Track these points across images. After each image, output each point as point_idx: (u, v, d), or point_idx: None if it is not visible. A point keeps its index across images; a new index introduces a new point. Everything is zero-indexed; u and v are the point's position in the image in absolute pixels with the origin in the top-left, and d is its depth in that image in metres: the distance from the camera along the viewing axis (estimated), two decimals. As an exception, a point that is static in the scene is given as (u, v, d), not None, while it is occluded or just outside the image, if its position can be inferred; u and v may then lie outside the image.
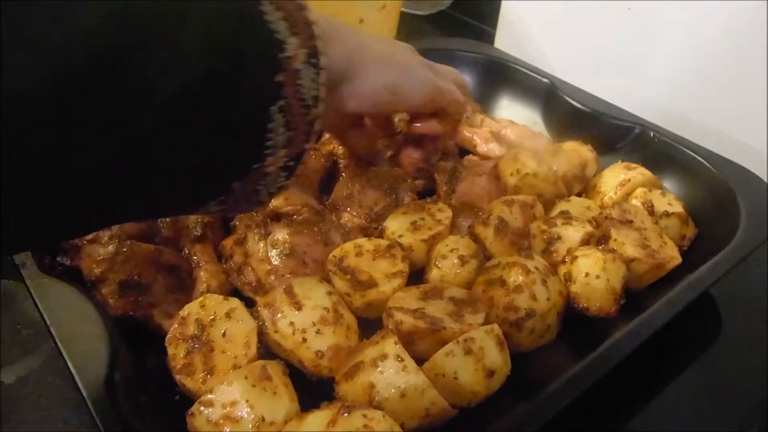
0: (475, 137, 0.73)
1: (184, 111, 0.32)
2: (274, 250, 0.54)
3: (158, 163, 0.33)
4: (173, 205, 0.38)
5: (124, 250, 0.51)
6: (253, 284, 0.53)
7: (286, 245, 0.54)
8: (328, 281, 0.51)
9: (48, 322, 0.42)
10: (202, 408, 0.40)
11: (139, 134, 0.31)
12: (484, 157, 0.72)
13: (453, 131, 0.66)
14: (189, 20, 0.32)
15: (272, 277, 0.52)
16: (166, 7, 0.31)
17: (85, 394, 0.39)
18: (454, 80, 0.57)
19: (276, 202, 0.56)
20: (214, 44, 0.33)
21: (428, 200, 0.62)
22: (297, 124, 0.38)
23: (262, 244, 0.55)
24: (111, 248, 0.51)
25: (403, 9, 0.99)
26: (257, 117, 0.36)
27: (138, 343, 0.47)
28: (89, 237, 0.51)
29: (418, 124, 0.57)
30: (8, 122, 0.26)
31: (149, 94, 0.30)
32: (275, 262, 0.53)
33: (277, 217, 0.57)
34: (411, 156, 0.61)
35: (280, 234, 0.55)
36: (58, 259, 0.51)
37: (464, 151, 0.73)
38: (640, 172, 0.64)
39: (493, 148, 0.72)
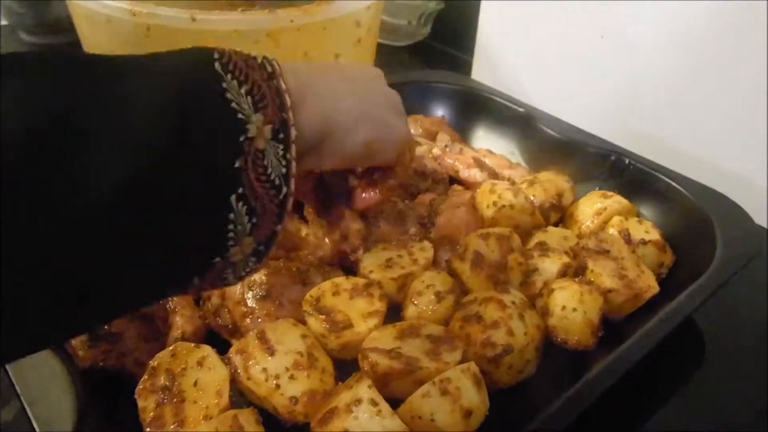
0: (456, 163, 0.73)
1: (128, 204, 0.29)
2: (251, 292, 0.53)
3: (104, 261, 0.29)
4: (124, 303, 0.34)
5: (96, 298, 0.50)
6: (230, 327, 0.53)
7: (263, 286, 0.53)
8: (304, 322, 0.51)
9: (14, 381, 0.41)
10: (172, 462, 0.39)
11: (81, 229, 0.28)
12: (466, 183, 0.72)
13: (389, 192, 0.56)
14: (133, 103, 0.30)
15: (248, 320, 0.52)
16: (107, 91, 0.29)
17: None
18: None
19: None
20: (160, 130, 0.30)
21: (415, 236, 0.62)
22: (264, 208, 0.36)
23: (239, 286, 0.54)
24: (82, 297, 0.50)
25: (380, 41, 0.99)
26: (214, 208, 0.33)
27: (110, 392, 0.46)
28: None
29: (363, 196, 0.53)
30: None
31: (85, 190, 0.27)
32: (251, 304, 0.53)
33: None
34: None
35: (257, 275, 0.54)
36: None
37: (453, 179, 0.73)
38: (616, 200, 0.64)
39: (474, 174, 0.72)
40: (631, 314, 0.55)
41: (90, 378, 0.46)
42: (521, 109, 0.79)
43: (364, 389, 0.42)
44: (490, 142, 0.80)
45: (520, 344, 0.49)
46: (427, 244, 0.60)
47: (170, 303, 0.54)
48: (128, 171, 0.29)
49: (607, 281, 0.54)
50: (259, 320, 0.51)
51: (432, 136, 0.76)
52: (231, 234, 0.34)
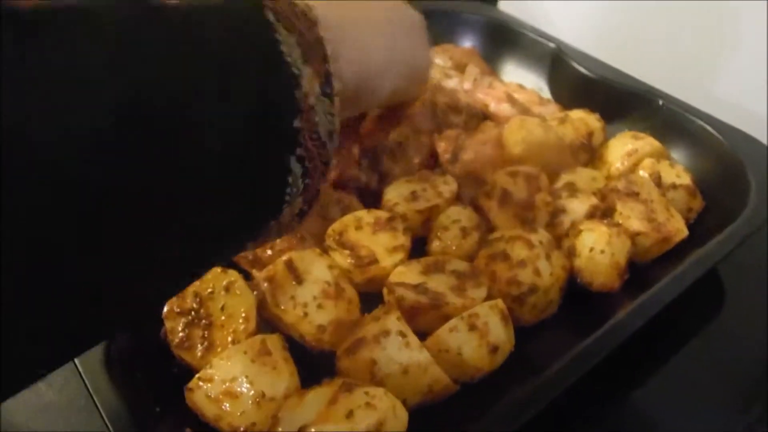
0: (487, 97, 0.71)
1: (204, 181, 0.28)
2: (272, 222, 0.53)
3: (186, 218, 0.28)
4: (183, 266, 0.32)
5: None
6: (250, 258, 0.52)
7: (285, 217, 0.53)
8: (328, 255, 0.50)
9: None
10: (201, 383, 0.40)
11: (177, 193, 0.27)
12: (496, 117, 0.70)
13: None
14: (227, 72, 0.29)
15: (269, 251, 0.51)
16: (202, 69, 0.28)
17: (81, 369, 0.39)
18: None
19: None
20: (249, 91, 0.29)
21: (437, 170, 0.61)
22: (315, 168, 0.34)
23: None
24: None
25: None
26: (277, 172, 0.32)
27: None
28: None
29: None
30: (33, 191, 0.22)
31: (197, 151, 0.27)
32: (273, 235, 0.52)
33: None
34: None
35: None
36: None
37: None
38: (648, 142, 0.63)
39: (505, 108, 0.70)
40: (657, 258, 0.55)
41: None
42: (551, 44, 0.76)
43: (392, 321, 0.42)
44: (519, 77, 0.77)
45: (545, 284, 0.48)
46: (449, 177, 0.59)
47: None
48: (207, 152, 0.28)
49: (636, 224, 0.53)
50: (281, 251, 0.51)
51: (462, 68, 0.74)
52: (287, 196, 0.33)
